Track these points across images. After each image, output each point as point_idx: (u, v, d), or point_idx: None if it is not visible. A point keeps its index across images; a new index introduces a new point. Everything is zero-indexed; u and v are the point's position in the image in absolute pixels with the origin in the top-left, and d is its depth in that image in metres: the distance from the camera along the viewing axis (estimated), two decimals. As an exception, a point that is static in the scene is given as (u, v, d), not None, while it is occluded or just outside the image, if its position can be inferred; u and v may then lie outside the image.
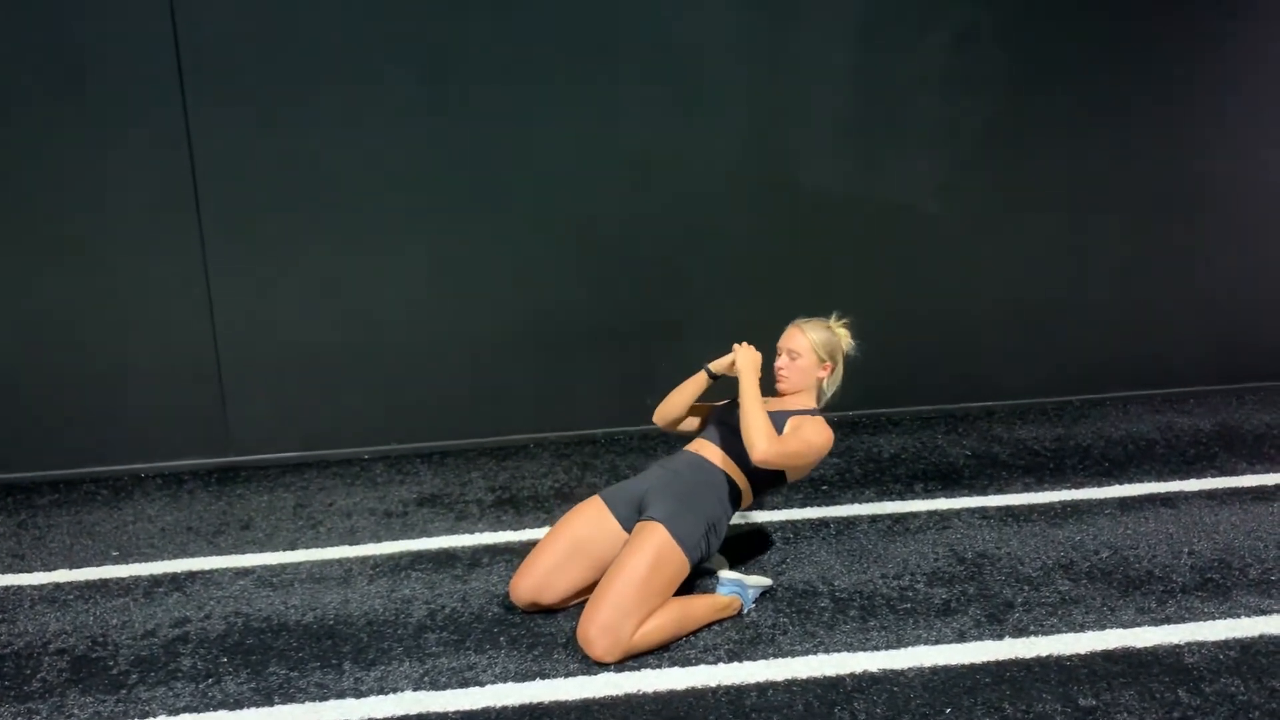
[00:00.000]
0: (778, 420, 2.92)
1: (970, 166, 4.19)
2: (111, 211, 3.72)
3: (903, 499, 3.59)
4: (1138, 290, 4.42)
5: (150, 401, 3.90)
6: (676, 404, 3.11)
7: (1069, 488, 3.65)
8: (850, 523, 3.43)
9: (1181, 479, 3.70)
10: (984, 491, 3.64)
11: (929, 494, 3.63)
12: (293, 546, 3.35)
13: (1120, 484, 3.67)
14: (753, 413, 2.80)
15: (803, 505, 3.56)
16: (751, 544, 3.29)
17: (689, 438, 3.14)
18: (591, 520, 2.88)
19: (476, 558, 3.24)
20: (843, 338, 3.06)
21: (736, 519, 3.45)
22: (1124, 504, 3.51)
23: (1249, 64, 4.24)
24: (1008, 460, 3.90)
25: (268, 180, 3.77)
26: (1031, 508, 3.51)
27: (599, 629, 2.63)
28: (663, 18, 3.83)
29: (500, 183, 3.90)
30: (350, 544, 3.36)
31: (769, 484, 2.97)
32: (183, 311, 3.84)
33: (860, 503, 3.57)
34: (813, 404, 3.03)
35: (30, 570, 3.24)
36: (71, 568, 3.25)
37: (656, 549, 2.70)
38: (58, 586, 3.13)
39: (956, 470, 3.82)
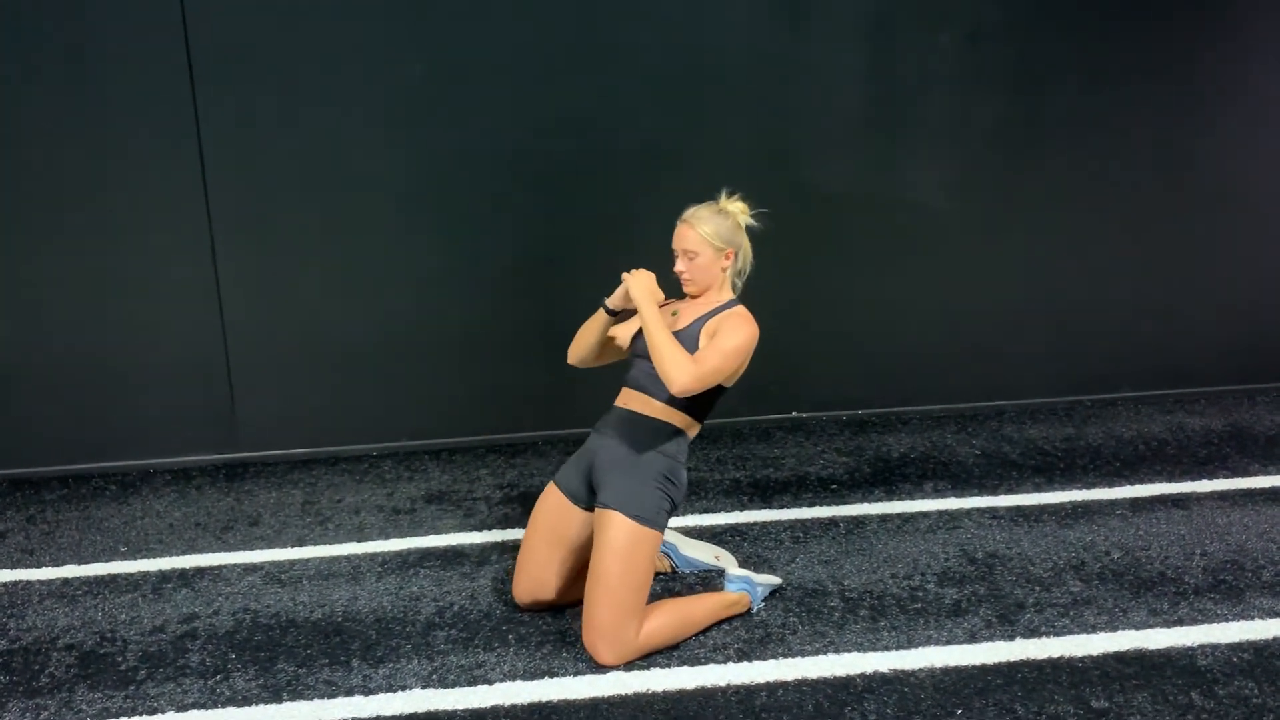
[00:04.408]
0: (692, 332, 2.74)
1: (981, 165, 4.17)
2: (120, 206, 3.72)
3: (912, 498, 3.58)
4: (1149, 289, 4.39)
5: (159, 397, 3.90)
6: (586, 344, 2.94)
7: (1080, 488, 3.63)
8: (860, 522, 3.41)
9: (1193, 480, 3.68)
10: (994, 491, 3.62)
11: (939, 493, 3.61)
12: (301, 543, 3.35)
13: (1132, 484, 3.65)
14: (660, 344, 2.62)
15: (811, 504, 3.55)
16: (760, 543, 3.28)
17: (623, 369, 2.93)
18: (554, 509, 2.82)
19: (485, 555, 3.24)
20: (737, 213, 2.81)
21: (745, 518, 3.44)
22: (1135, 505, 3.50)
23: (1261, 61, 4.21)
24: (1018, 460, 3.88)
25: (277, 175, 3.77)
26: (1042, 508, 3.49)
27: (600, 637, 2.62)
28: (673, 20, 3.82)
29: (511, 181, 3.89)
30: (359, 540, 3.36)
31: (709, 402, 2.79)
32: (192, 306, 3.84)
33: (870, 502, 3.56)
34: (726, 296, 2.84)
35: (39, 565, 3.24)
36: (80, 563, 3.25)
37: (624, 540, 2.61)
38: (66, 582, 3.13)
39: (966, 470, 3.81)
